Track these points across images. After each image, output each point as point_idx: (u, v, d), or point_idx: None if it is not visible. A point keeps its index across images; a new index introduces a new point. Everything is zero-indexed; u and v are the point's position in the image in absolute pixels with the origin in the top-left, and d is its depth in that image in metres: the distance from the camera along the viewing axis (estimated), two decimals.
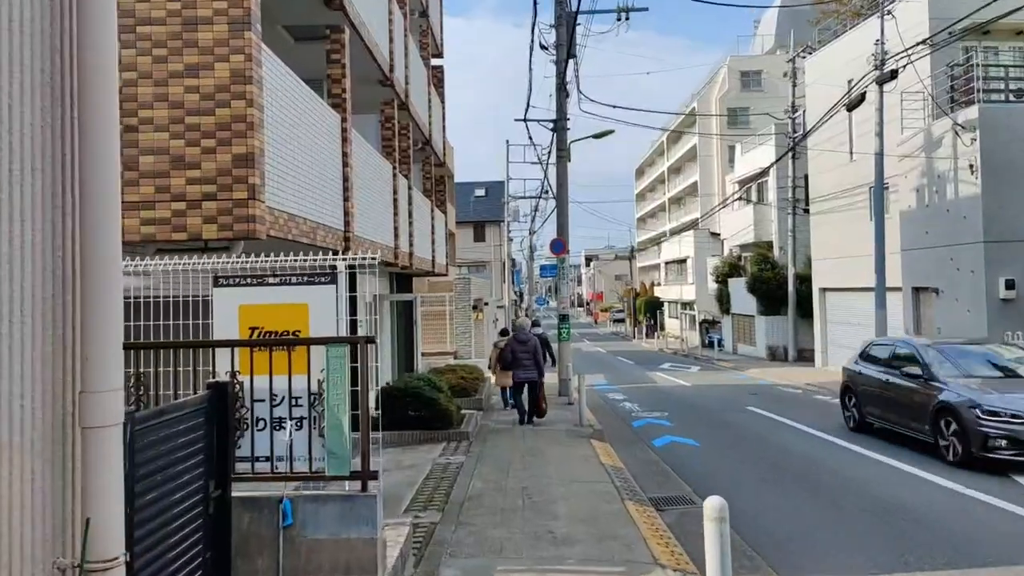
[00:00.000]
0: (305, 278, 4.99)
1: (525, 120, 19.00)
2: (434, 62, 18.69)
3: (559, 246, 17.67)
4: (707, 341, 40.46)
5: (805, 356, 30.46)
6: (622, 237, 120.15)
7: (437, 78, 18.52)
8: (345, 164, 7.99)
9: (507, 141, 47.37)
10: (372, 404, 12.23)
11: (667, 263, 55.35)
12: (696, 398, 18.17)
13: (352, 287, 12.03)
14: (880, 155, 17.99)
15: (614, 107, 28.23)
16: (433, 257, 15.97)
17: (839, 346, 25.54)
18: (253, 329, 4.85)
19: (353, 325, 11.89)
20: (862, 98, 18.04)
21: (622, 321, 71.37)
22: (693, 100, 60.28)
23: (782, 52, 58.93)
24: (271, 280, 4.89)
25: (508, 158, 48.15)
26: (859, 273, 23.31)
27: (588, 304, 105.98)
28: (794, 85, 30.81)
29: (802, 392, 19.17)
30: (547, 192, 49.63)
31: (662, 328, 53.76)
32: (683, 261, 50.03)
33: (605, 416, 15.00)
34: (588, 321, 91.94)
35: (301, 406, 4.79)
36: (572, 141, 18.28)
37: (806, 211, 30.67)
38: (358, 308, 12.34)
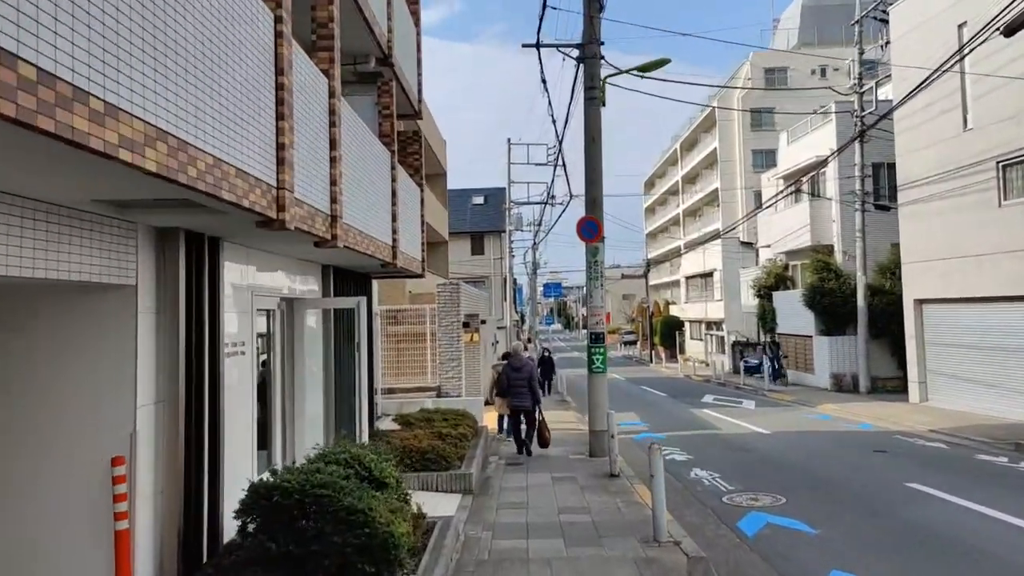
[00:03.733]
0: None
1: (537, 45, 12.97)
2: None
3: (591, 229, 11.69)
4: (743, 366, 34.31)
5: (880, 387, 24.42)
6: (626, 256, 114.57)
7: None
8: None
9: (508, 139, 41.45)
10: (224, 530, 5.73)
11: (688, 278, 49.35)
12: (799, 459, 12.05)
13: (200, 267, 5.86)
14: None
15: (642, 76, 22.34)
16: (395, 243, 9.98)
17: (944, 375, 19.48)
18: None
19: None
20: None
21: (633, 343, 65.19)
22: (713, 100, 54.80)
23: (807, 48, 53.70)
24: None
25: (510, 159, 42.58)
26: (982, 278, 17.32)
27: None
28: (861, 53, 25.03)
29: (948, 447, 13.03)
30: (554, 197, 43.75)
31: (682, 351, 47.62)
32: (709, 275, 44.04)
33: (676, 499, 8.93)
34: None
35: None
36: (608, 76, 12.38)
37: (878, 207, 24.80)
38: (221, 317, 6.23)
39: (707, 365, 42.30)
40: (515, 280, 53.94)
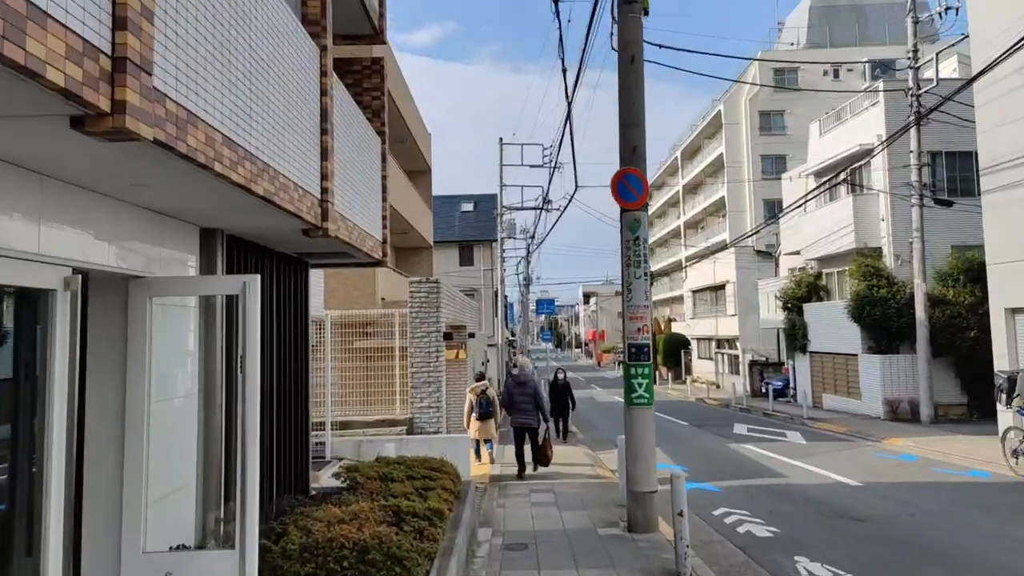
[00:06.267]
0: None
1: None
2: None
3: (633, 186, 7.77)
4: (763, 389, 30.42)
5: (943, 415, 20.54)
6: (617, 270, 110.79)
7: None
8: None
9: (500, 139, 37.71)
10: None
11: (696, 291, 45.49)
12: (948, 536, 8.06)
13: None
14: None
15: (660, 47, 18.70)
16: (325, 194, 6.02)
17: None
18: None
19: None
20: None
21: None
22: (717, 105, 51.45)
23: (816, 49, 50.46)
24: None
25: (502, 160, 38.81)
26: None
27: (587, 344, 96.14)
28: (915, 22, 21.38)
29: None
30: (551, 202, 39.97)
31: (688, 370, 43.63)
32: (720, 288, 40.18)
33: None
34: (590, 363, 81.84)
35: None
36: None
37: (939, 202, 21.05)
38: None
39: (719, 387, 38.40)
40: (505, 296, 50.06)
